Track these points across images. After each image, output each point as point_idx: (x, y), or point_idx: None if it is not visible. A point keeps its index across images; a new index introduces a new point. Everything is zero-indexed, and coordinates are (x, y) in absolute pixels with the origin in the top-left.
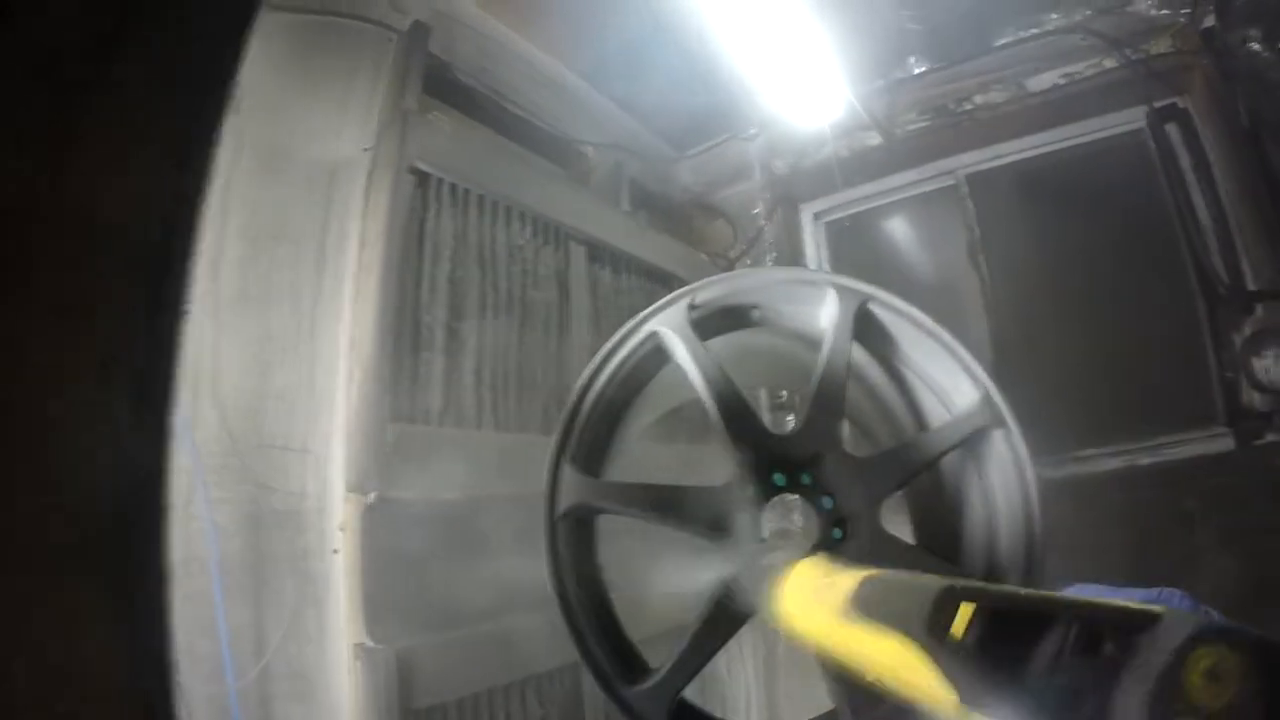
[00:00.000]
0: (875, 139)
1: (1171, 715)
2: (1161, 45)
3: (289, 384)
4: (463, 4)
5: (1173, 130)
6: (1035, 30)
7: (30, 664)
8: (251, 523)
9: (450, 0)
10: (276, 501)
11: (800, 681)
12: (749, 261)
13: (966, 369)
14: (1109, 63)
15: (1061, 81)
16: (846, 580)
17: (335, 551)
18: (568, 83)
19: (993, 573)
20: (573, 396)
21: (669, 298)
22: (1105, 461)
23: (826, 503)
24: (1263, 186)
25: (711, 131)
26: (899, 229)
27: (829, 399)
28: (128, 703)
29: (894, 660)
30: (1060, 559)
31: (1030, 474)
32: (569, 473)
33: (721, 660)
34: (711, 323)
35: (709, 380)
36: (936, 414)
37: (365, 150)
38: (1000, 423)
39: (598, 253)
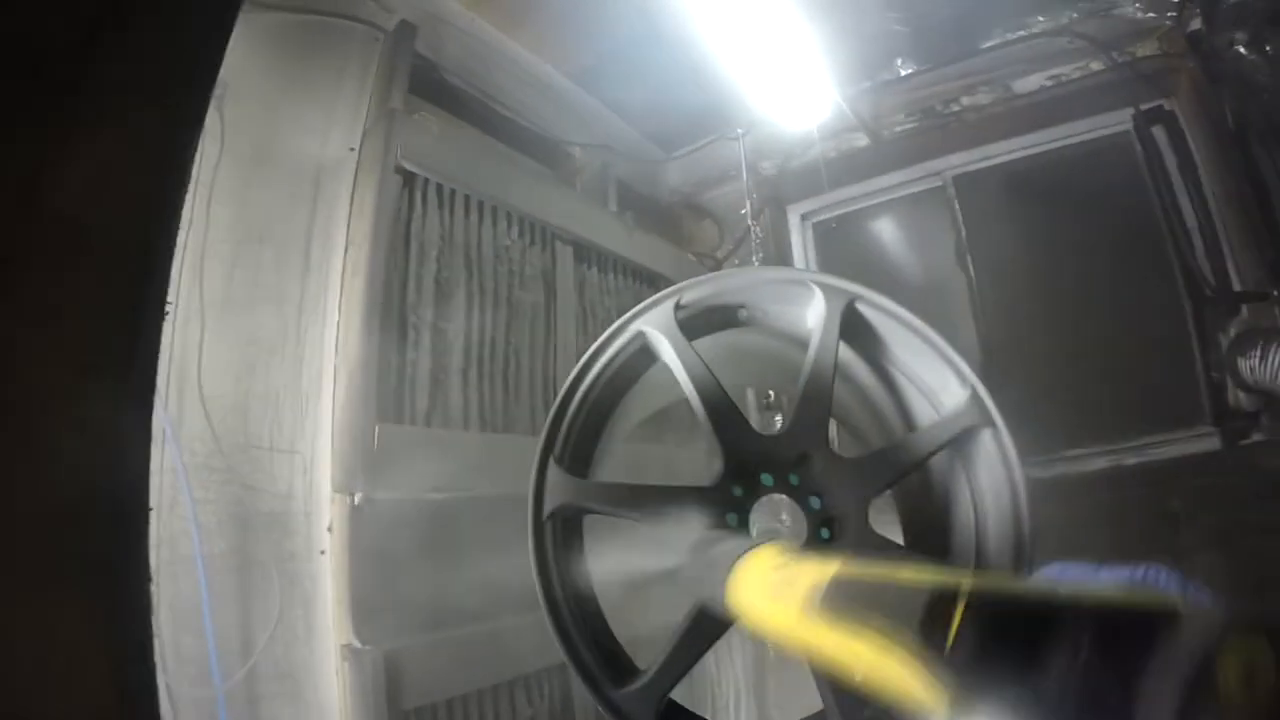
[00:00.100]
0: (862, 140)
1: (1204, 715)
2: (1148, 48)
3: (275, 385)
4: (450, 4)
5: (1159, 132)
6: (1022, 33)
7: (11, 662)
8: (238, 523)
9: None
10: (263, 502)
11: (790, 681)
12: (736, 262)
13: (954, 368)
14: (1096, 65)
15: (1048, 84)
16: (810, 574)
17: (322, 552)
18: (555, 83)
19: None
20: (559, 396)
21: (656, 297)
22: (1093, 461)
23: (814, 503)
24: (1248, 188)
25: (699, 132)
26: (886, 230)
27: (816, 399)
28: (109, 700)
29: (872, 661)
30: (1048, 558)
31: (1018, 473)
32: (555, 473)
33: (710, 659)
34: (699, 322)
35: (696, 380)
36: (924, 414)
37: (351, 150)
38: (988, 422)
39: (585, 253)
